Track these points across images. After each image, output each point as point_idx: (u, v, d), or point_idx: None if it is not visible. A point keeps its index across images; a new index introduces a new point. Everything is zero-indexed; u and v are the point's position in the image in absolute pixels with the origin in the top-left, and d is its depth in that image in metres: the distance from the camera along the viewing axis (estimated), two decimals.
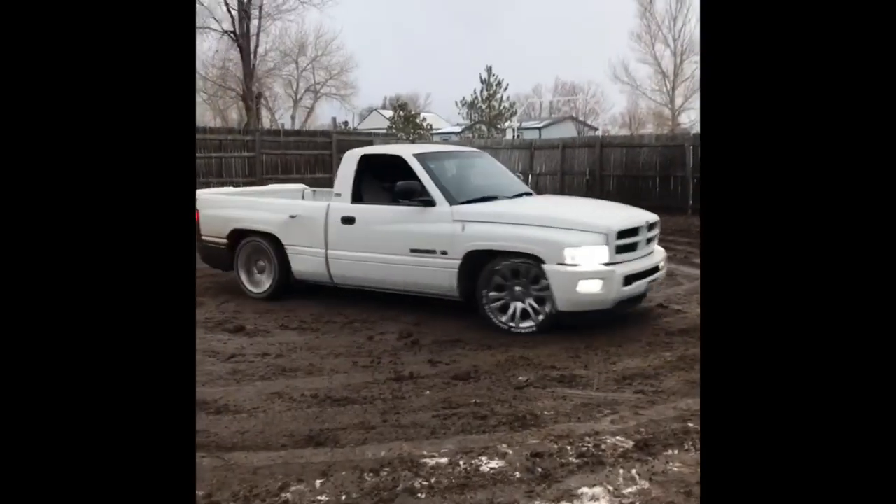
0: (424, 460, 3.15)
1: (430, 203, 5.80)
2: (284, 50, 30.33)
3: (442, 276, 5.72)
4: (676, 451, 3.26)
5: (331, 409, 3.86)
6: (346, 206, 6.28)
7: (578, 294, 5.17)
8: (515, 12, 69.87)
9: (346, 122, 33.22)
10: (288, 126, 30.83)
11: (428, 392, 4.13)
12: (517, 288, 5.44)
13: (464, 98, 38.18)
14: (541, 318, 5.35)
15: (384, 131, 26.03)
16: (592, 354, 4.86)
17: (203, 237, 7.21)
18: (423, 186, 5.87)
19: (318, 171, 15.88)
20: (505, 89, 37.96)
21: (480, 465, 3.10)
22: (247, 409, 3.86)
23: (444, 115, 41.61)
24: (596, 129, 40.14)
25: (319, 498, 2.82)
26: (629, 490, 2.87)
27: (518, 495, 2.83)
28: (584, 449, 3.26)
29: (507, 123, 37.60)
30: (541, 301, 5.35)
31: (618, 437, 3.41)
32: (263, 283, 6.86)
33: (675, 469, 3.07)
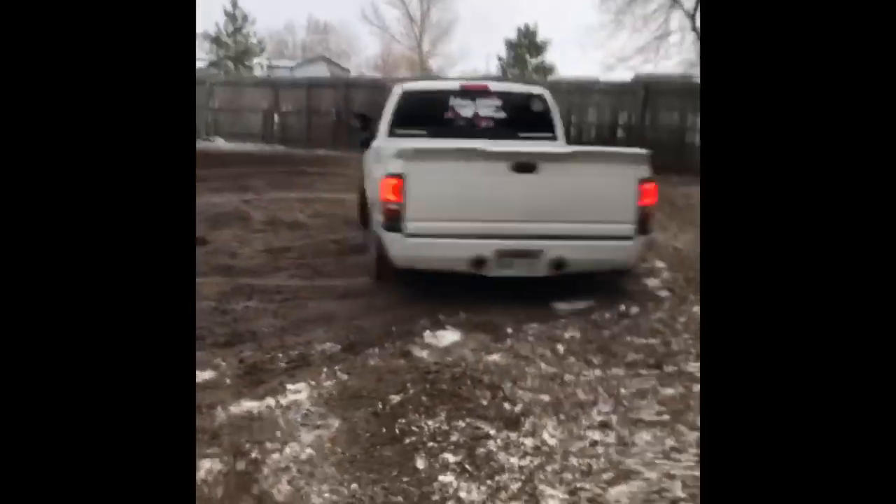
0: None
1: None
2: None
3: None
4: (377, 350, 3.73)
5: None
6: None
7: None
8: None
9: None
10: None
11: None
12: None
13: (206, 31, 35.94)
14: None
15: None
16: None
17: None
18: None
19: None
20: (252, 24, 36.42)
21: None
22: None
23: None
24: (348, 70, 40.17)
25: None
26: (328, 383, 3.26)
27: (226, 396, 3.07)
28: (295, 354, 3.60)
29: (255, 61, 36.12)
30: None
31: (328, 344, 3.79)
32: None
33: (372, 363, 3.53)
